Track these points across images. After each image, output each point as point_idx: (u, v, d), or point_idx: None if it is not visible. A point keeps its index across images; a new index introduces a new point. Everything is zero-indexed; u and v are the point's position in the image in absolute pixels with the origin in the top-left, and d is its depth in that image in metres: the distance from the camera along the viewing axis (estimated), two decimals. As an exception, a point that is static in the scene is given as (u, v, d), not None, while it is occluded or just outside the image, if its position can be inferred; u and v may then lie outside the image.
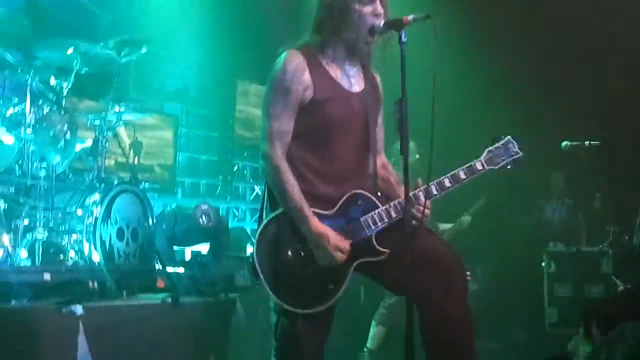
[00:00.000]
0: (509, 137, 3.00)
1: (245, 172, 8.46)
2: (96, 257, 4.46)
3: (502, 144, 2.98)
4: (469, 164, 2.92)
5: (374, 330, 5.83)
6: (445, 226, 6.12)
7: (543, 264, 6.43)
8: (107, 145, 5.03)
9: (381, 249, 2.79)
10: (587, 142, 5.67)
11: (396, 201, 2.82)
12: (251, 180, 8.48)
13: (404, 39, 2.88)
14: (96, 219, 4.52)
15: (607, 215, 6.17)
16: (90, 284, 4.14)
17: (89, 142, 4.93)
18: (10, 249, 4.14)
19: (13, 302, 3.74)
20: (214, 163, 8.12)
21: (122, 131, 5.45)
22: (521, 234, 7.27)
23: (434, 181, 2.84)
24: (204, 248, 5.50)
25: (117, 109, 5.04)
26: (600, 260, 6.21)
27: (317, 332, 2.80)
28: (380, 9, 2.82)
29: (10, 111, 4.44)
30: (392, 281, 2.81)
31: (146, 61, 5.79)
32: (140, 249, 4.81)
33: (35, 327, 3.63)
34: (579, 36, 6.99)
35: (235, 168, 8.28)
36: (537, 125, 7.19)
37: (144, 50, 5.15)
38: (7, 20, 4.46)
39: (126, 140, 5.60)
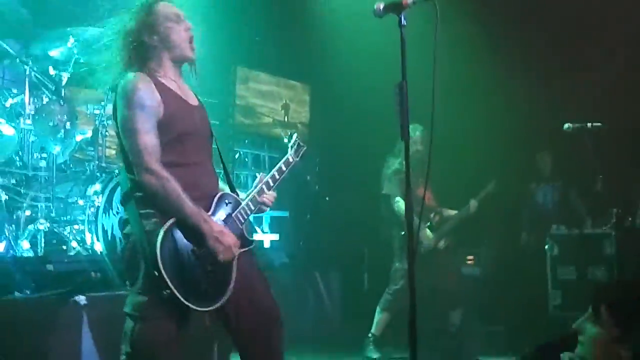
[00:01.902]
0: (294, 132, 3.48)
1: (246, 159, 8.44)
2: (98, 247, 4.46)
3: (295, 138, 3.42)
4: (285, 158, 3.33)
5: (379, 317, 5.83)
6: (450, 212, 6.10)
7: (546, 247, 6.41)
8: (107, 134, 5.01)
9: (250, 238, 3.07)
10: (589, 124, 5.63)
11: (249, 197, 3.10)
12: (253, 167, 8.46)
13: (403, 22, 2.87)
14: (98, 208, 4.51)
15: (609, 197, 6.14)
16: (93, 274, 4.13)
17: (89, 132, 4.92)
18: (12, 240, 4.13)
19: (16, 294, 3.75)
20: (214, 151, 8.09)
21: None
22: (522, 218, 7.27)
23: (267, 176, 3.22)
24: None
25: (116, 98, 5.01)
26: (603, 243, 6.18)
27: (173, 338, 2.88)
28: (189, 26, 3.06)
29: (10, 102, 4.43)
30: (235, 322, 2.99)
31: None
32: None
33: (39, 317, 3.64)
34: (576, 18, 6.95)
35: (237, 156, 8.26)
36: (529, 107, 7.19)
37: (143, 38, 5.11)
38: (5, 11, 4.42)
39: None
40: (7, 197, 4.12)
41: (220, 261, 2.84)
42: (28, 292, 3.79)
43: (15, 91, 4.52)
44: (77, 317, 3.73)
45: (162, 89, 2.90)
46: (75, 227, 4.54)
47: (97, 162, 4.89)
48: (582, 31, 6.96)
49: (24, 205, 4.38)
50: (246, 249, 3.01)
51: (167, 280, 2.72)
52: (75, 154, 4.96)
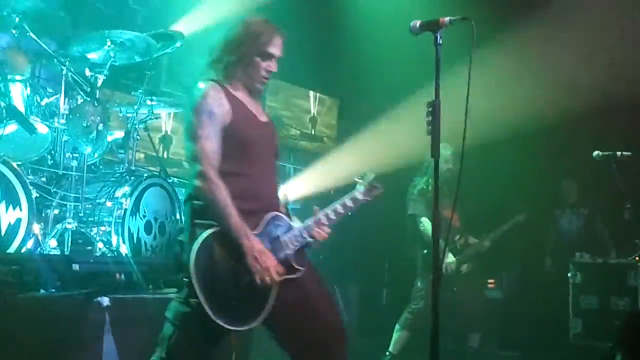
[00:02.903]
0: (371, 173, 3.20)
1: (271, 170, 8.46)
2: (124, 250, 4.49)
3: (369, 178, 3.19)
4: (351, 194, 3.12)
5: (398, 335, 5.79)
6: (475, 241, 6.07)
7: (569, 274, 6.35)
8: (138, 138, 5.06)
9: (299, 267, 2.95)
10: (619, 153, 5.60)
11: (305, 225, 2.99)
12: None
13: (439, 40, 2.88)
14: (125, 211, 4.55)
15: (636, 227, 6.07)
16: (118, 275, 4.17)
17: (120, 134, 4.98)
18: (40, 237, 4.18)
19: (42, 291, 3.78)
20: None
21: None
22: (545, 245, 7.21)
23: (328, 208, 3.05)
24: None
25: (149, 102, 5.07)
26: (627, 273, 6.11)
27: (208, 353, 2.90)
28: (274, 68, 3.05)
29: (46, 101, 4.49)
30: (282, 333, 2.97)
31: (178, 56, 5.83)
32: (168, 243, 4.83)
33: (62, 316, 3.67)
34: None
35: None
36: (559, 134, 7.15)
37: (178, 45, 5.18)
38: (44, 11, 4.49)
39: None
40: (37, 195, 4.16)
41: (256, 282, 2.78)
42: (53, 290, 3.82)
43: (50, 90, 4.58)
44: (100, 317, 3.76)
45: (233, 99, 2.96)
46: (102, 228, 4.57)
47: (126, 164, 4.93)
48: (614, 58, 6.91)
49: (53, 203, 4.43)
50: (291, 276, 2.91)
51: (197, 288, 2.72)
52: (105, 155, 5.01)
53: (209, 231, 2.79)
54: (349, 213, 3.11)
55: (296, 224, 3.02)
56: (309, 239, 2.98)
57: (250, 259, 2.78)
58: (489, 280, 7.21)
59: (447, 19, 2.83)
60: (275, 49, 3.05)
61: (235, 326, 2.80)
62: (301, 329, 2.93)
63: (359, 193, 3.15)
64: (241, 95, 3.02)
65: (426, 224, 5.59)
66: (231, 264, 2.79)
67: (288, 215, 3.04)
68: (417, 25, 2.92)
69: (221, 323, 2.75)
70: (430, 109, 2.90)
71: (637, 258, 6.00)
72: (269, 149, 3.08)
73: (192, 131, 2.89)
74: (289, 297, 2.88)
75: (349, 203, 3.11)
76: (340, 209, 3.08)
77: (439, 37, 2.88)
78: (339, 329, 3.01)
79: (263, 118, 3.10)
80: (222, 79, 3.01)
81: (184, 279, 2.79)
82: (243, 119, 2.96)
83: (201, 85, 2.96)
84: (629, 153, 5.58)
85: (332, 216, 3.04)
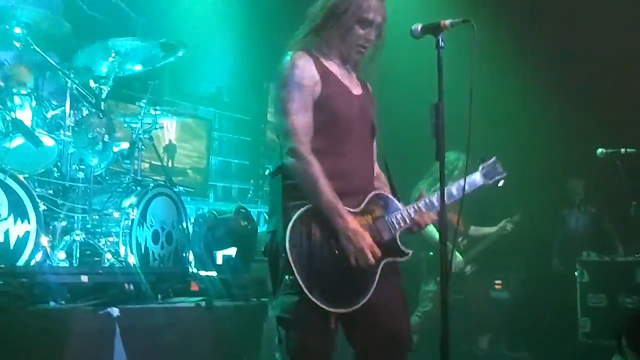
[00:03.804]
0: (494, 157, 3.13)
1: (276, 176, 8.49)
2: (132, 260, 4.50)
3: (492, 162, 3.12)
4: (469, 176, 3.01)
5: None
6: (479, 229, 6.09)
7: (576, 273, 6.35)
8: (143, 148, 5.09)
9: (405, 249, 2.79)
10: (622, 150, 5.60)
11: (416, 204, 2.85)
12: (282, 184, 8.51)
13: (441, 43, 2.88)
14: (132, 221, 4.56)
15: (642, 224, 6.06)
16: (126, 286, 4.17)
17: (125, 145, 5.00)
18: (48, 250, 4.19)
19: (51, 303, 3.79)
20: (245, 167, 8.17)
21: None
22: (553, 244, 7.21)
23: (435, 193, 2.88)
24: (232, 251, 5.49)
25: (152, 112, 5.09)
26: (635, 270, 6.09)
27: (327, 345, 2.72)
28: (372, 36, 2.88)
29: (51, 113, 4.50)
30: (355, 325, 2.78)
31: (180, 65, 5.85)
32: (175, 252, 4.84)
33: (72, 328, 3.66)
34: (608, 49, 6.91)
35: (267, 172, 8.31)
36: (563, 133, 7.15)
37: (180, 54, 5.20)
38: (48, 23, 4.52)
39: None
40: (45, 208, 4.17)
41: (353, 263, 2.63)
42: (63, 302, 3.83)
43: (55, 103, 4.60)
44: (110, 328, 3.76)
45: (323, 69, 2.81)
46: (110, 239, 4.58)
47: (132, 175, 4.95)
48: (617, 61, 6.91)
49: (61, 215, 4.44)
50: (397, 259, 2.78)
51: (292, 263, 2.56)
52: (111, 166, 5.03)
53: (303, 209, 2.63)
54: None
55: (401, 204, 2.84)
56: (413, 225, 2.80)
57: (343, 239, 2.62)
58: (496, 281, 7.20)
59: (448, 21, 2.83)
60: (375, 14, 2.85)
61: (332, 307, 2.61)
62: (375, 327, 2.74)
63: (478, 176, 3.00)
64: (333, 65, 2.86)
65: (430, 226, 5.59)
66: (327, 243, 2.63)
67: (394, 195, 2.87)
68: (419, 28, 2.92)
69: (318, 303, 2.57)
70: (434, 111, 2.91)
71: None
72: (362, 124, 2.89)
73: (281, 105, 2.75)
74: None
75: (466, 187, 2.92)
76: (454, 191, 2.92)
77: (440, 40, 2.87)
78: (408, 338, 2.86)
79: (357, 90, 2.92)
80: (313, 48, 2.84)
81: (281, 254, 2.61)
82: (333, 91, 2.79)
83: (288, 54, 2.79)
84: (633, 149, 5.58)
85: (446, 199, 2.80)
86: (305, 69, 2.76)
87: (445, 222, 2.92)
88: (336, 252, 2.64)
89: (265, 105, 8.10)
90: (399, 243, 2.80)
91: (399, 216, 2.81)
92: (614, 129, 6.71)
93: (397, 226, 2.79)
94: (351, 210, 2.72)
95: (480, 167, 3.07)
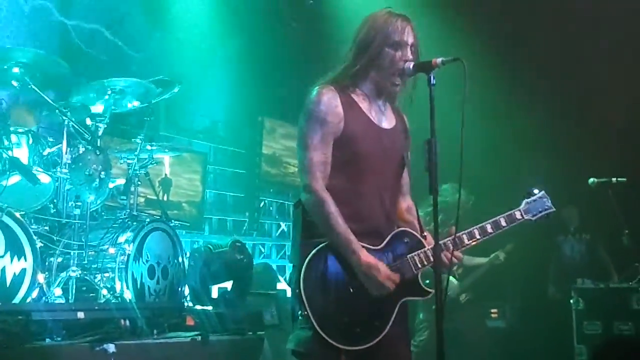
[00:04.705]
0: (543, 191, 3.07)
1: (271, 208, 8.53)
2: (128, 295, 4.51)
3: (539, 197, 3.05)
4: (509, 212, 2.95)
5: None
6: (472, 260, 6.11)
7: (571, 301, 6.37)
8: (139, 183, 5.11)
9: (427, 288, 2.77)
10: (614, 179, 5.66)
11: (441, 242, 2.79)
12: (277, 216, 8.54)
13: (433, 81, 2.92)
14: (128, 256, 4.57)
15: (635, 251, 6.10)
16: (122, 322, 4.17)
17: (121, 181, 5.03)
18: (44, 287, 4.20)
19: (47, 340, 3.79)
20: (240, 199, 8.20)
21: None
22: (548, 272, 7.22)
23: (475, 227, 2.87)
24: (228, 285, 5.50)
25: (148, 147, 5.14)
26: (630, 297, 6.12)
27: None
28: (410, 56, 2.85)
29: (48, 151, 4.55)
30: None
31: (176, 100, 5.91)
32: (170, 287, 4.85)
33: (69, 365, 3.67)
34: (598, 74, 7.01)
35: (262, 204, 8.35)
36: (556, 161, 7.21)
37: (176, 90, 5.27)
38: (46, 63, 4.57)
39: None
40: (41, 244, 4.19)
41: (373, 297, 2.62)
42: (59, 339, 3.83)
43: (52, 140, 4.64)
44: (106, 364, 3.77)
45: (349, 104, 2.79)
46: (106, 274, 4.59)
47: (128, 210, 4.97)
48: (605, 87, 7.02)
49: (57, 252, 4.45)
50: (415, 298, 2.77)
51: (305, 300, 2.57)
52: (107, 201, 5.05)
53: (320, 247, 2.65)
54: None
55: (429, 240, 2.79)
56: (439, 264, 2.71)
57: (359, 275, 2.62)
58: (492, 310, 7.21)
59: (439, 60, 2.87)
60: (402, 34, 2.81)
61: (344, 344, 2.62)
62: None
63: (519, 212, 2.93)
64: (364, 100, 2.84)
65: None
66: (342, 280, 2.64)
67: (421, 231, 2.84)
68: (411, 67, 2.97)
69: (328, 339, 2.59)
70: (427, 147, 2.95)
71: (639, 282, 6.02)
72: (389, 160, 2.86)
73: (302, 139, 2.75)
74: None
75: (503, 222, 2.88)
76: (489, 229, 2.86)
77: (432, 77, 2.92)
78: None
79: (388, 124, 2.89)
80: (344, 83, 2.83)
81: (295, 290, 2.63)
82: (357, 128, 2.77)
83: (315, 88, 2.78)
84: (624, 179, 5.64)
85: (478, 235, 2.84)
86: (330, 105, 2.75)
87: (439, 254, 2.95)
88: (351, 290, 2.64)
89: (260, 138, 8.17)
90: (420, 282, 2.78)
91: (422, 255, 2.78)
92: (605, 159, 6.79)
93: (419, 265, 2.77)
94: (371, 247, 2.72)
95: (524, 202, 3.00)
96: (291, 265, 2.83)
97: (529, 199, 3.02)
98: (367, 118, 2.84)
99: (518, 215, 2.95)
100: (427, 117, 2.75)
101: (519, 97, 7.30)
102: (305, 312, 2.58)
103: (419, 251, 2.80)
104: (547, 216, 3.03)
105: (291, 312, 2.76)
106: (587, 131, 7.20)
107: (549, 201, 3.07)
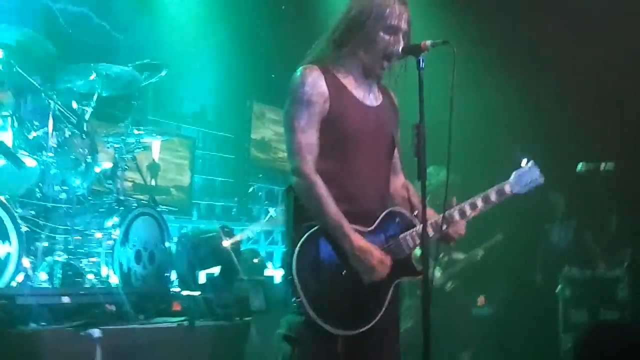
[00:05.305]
0: (532, 161, 3.01)
1: (260, 194, 8.50)
2: (114, 280, 4.48)
3: (528, 168, 2.99)
4: (498, 186, 2.91)
5: None
6: (458, 255, 6.11)
7: (558, 288, 6.38)
8: (126, 168, 5.07)
9: (420, 269, 2.71)
10: (602, 164, 5.65)
11: (433, 220, 2.77)
12: (266, 202, 8.52)
13: (422, 64, 2.90)
14: (115, 241, 4.54)
15: (623, 238, 6.11)
16: (108, 307, 4.15)
17: (108, 165, 4.99)
18: (30, 271, 4.17)
19: (32, 325, 3.76)
20: (229, 185, 8.18)
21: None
22: (535, 260, 7.24)
23: (465, 202, 2.82)
24: (215, 270, 5.48)
25: (136, 131, 5.09)
26: (616, 286, 6.14)
27: None
28: (400, 44, 2.80)
29: (33, 134, 4.50)
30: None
31: (164, 84, 5.86)
32: (157, 272, 4.82)
33: (53, 350, 3.65)
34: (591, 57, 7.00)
35: (251, 190, 8.32)
36: (543, 147, 7.20)
37: (163, 73, 5.22)
38: (32, 45, 4.52)
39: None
40: (26, 229, 4.15)
41: (365, 282, 2.59)
42: (44, 324, 3.80)
43: (37, 124, 4.59)
44: (91, 349, 3.74)
45: (335, 84, 2.74)
46: (92, 259, 4.56)
47: (115, 194, 4.93)
48: (596, 71, 7.01)
49: (42, 236, 4.42)
50: (409, 278, 2.72)
51: (298, 285, 2.54)
52: (94, 186, 5.01)
53: (311, 230, 2.60)
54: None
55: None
56: (444, 236, 2.72)
57: (351, 259, 2.58)
58: (478, 298, 7.22)
59: (428, 42, 2.85)
60: (400, 20, 2.75)
61: (339, 329, 2.59)
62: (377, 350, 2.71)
63: (508, 185, 2.87)
64: (348, 78, 2.78)
65: None
66: (334, 264, 2.60)
67: (412, 211, 2.78)
68: (400, 50, 2.95)
69: (323, 325, 2.55)
70: (415, 131, 2.93)
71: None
72: (378, 139, 2.80)
73: (288, 122, 2.69)
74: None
75: (493, 197, 2.83)
76: (480, 203, 2.81)
77: (421, 60, 2.90)
78: None
79: (373, 101, 2.83)
80: (328, 62, 2.77)
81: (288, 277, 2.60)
82: (344, 107, 2.72)
83: (299, 69, 2.72)
84: (612, 164, 5.63)
85: (469, 211, 2.78)
86: (315, 85, 2.70)
87: (427, 239, 2.94)
88: (344, 273, 2.61)
89: (249, 123, 8.13)
90: (413, 262, 2.75)
91: (414, 234, 2.74)
92: (595, 142, 6.78)
93: (411, 245, 2.74)
94: (362, 229, 2.68)
95: (513, 174, 2.94)
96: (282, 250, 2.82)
97: (519, 171, 2.96)
98: (353, 96, 2.79)
99: (507, 188, 2.89)
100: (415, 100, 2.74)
101: (508, 81, 7.27)
102: (299, 298, 2.55)
103: (411, 230, 2.75)
104: (535, 188, 2.97)
105: (283, 297, 2.73)
106: (574, 115, 7.18)
107: (538, 171, 3.00)
